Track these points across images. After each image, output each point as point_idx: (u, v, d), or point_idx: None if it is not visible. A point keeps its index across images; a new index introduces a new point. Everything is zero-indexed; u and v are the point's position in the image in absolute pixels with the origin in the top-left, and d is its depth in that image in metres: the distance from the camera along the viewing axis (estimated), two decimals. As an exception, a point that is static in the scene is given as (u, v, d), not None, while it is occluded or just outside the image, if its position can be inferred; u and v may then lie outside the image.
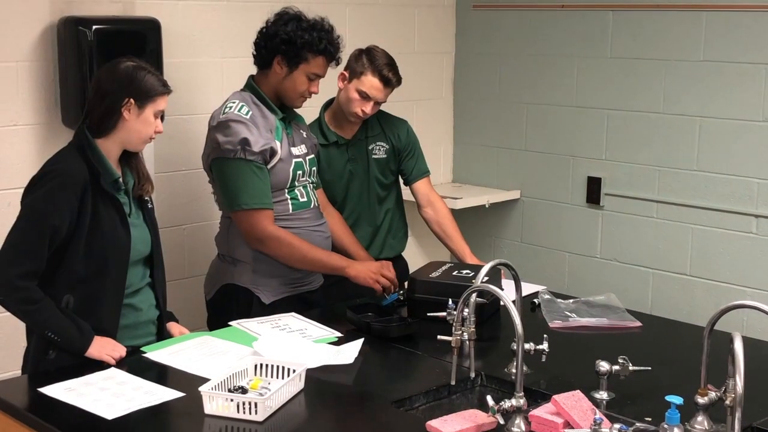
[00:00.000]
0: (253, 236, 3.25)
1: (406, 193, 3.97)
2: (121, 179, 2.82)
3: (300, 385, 2.56)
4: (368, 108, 3.63)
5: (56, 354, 2.75)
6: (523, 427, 2.30)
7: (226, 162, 3.24)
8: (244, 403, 2.36)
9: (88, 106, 2.80)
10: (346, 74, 3.64)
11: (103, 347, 2.74)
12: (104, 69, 2.84)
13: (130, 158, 2.88)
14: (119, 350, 2.76)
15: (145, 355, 2.83)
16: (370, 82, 3.60)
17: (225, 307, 3.35)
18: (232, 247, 3.36)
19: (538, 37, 4.72)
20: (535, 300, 3.38)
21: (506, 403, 2.29)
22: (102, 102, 2.76)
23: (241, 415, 2.36)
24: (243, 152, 3.20)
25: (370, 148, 3.77)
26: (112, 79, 2.77)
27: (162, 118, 2.86)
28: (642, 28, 4.33)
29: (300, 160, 3.38)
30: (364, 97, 3.61)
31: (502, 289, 2.63)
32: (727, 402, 2.19)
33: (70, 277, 2.74)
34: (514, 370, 2.63)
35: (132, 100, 2.75)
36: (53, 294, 2.72)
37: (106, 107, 2.75)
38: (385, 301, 3.27)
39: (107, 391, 2.53)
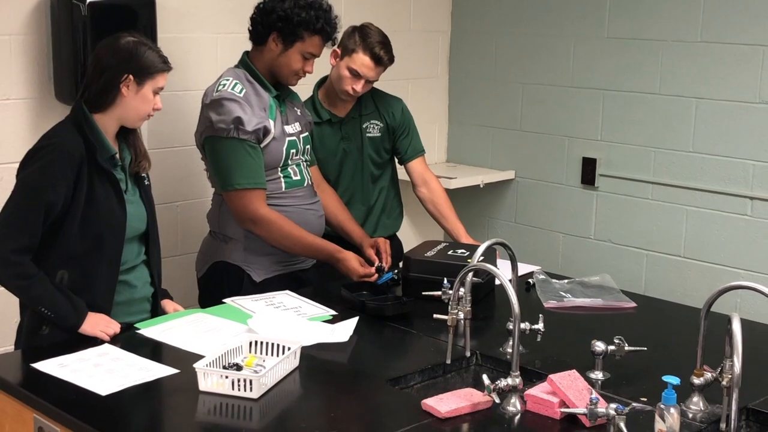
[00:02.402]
0: (245, 216, 3.23)
1: (401, 173, 3.95)
2: (117, 155, 2.80)
3: (295, 362, 2.55)
4: (359, 86, 3.60)
5: (50, 330, 2.74)
6: (519, 406, 2.31)
7: (218, 141, 3.21)
8: (239, 380, 2.36)
9: (87, 81, 2.78)
10: (339, 51, 3.61)
11: (96, 323, 2.73)
12: (104, 43, 2.80)
13: (127, 134, 2.86)
14: (113, 327, 2.75)
15: (139, 331, 2.82)
16: (361, 60, 3.56)
17: (216, 284, 3.34)
18: (224, 224, 3.35)
19: (534, 17, 4.70)
20: (530, 280, 3.38)
21: (502, 382, 2.29)
22: (101, 77, 2.73)
23: (235, 392, 2.35)
24: (236, 131, 3.18)
25: (364, 126, 3.75)
26: (112, 54, 2.74)
27: (157, 95, 2.83)
28: (639, 8, 4.30)
29: (293, 138, 3.36)
30: (355, 75, 3.58)
31: (498, 269, 2.63)
32: (724, 383, 2.19)
33: (64, 253, 2.72)
34: (509, 350, 2.64)
35: (131, 77, 2.73)
36: (48, 269, 2.70)
37: (104, 82, 2.73)
38: (379, 280, 3.26)
39: (101, 367, 2.52)
